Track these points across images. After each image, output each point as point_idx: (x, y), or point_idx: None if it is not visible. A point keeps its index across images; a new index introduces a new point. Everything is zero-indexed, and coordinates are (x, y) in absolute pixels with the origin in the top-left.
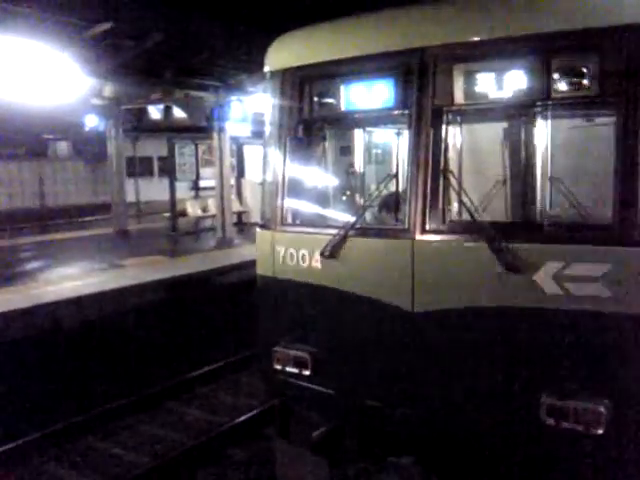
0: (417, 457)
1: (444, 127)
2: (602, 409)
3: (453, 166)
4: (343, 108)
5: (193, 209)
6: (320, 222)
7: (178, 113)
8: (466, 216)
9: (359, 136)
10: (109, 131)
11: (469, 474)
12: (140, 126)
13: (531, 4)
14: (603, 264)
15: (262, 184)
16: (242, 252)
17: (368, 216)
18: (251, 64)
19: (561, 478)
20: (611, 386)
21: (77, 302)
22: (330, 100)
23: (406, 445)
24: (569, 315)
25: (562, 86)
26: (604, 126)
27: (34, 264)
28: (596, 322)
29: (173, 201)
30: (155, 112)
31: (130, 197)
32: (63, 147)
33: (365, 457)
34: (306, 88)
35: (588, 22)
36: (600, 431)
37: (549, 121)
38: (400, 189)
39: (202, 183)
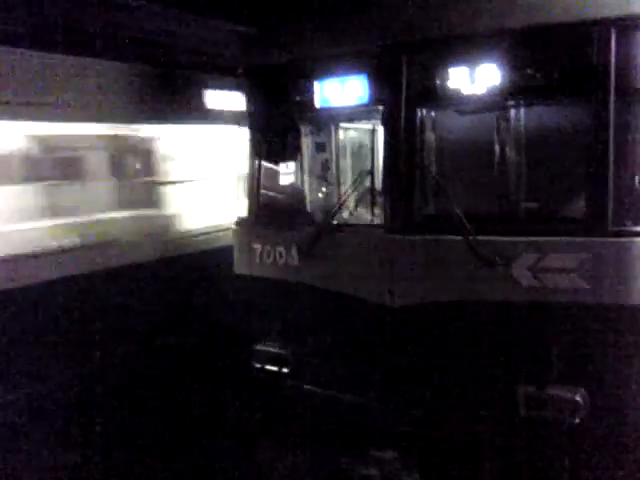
0: (399, 451)
1: (418, 123)
2: (578, 398)
3: (428, 161)
4: (318, 105)
5: None
6: (297, 219)
7: None
8: (442, 211)
9: (335, 132)
10: None
11: (450, 466)
12: None
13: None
14: (579, 255)
15: (239, 182)
16: None
17: (345, 212)
18: None
19: (539, 467)
20: (587, 375)
21: None
22: (305, 97)
23: (388, 439)
24: (546, 306)
25: (535, 80)
26: (578, 120)
27: None
28: (572, 313)
29: None
30: None
31: None
32: None
33: (348, 452)
34: (281, 85)
35: (559, 16)
36: (577, 420)
37: (523, 114)
38: (376, 185)
39: None
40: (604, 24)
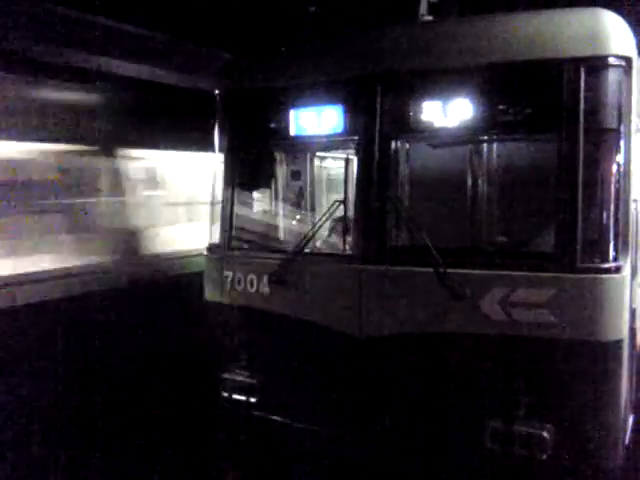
0: None
1: (391, 154)
2: (545, 434)
3: (400, 193)
4: (293, 133)
5: None
6: (269, 247)
7: None
8: (413, 242)
9: (310, 161)
10: None
11: None
12: None
13: (476, 36)
14: (547, 290)
15: (211, 208)
16: None
17: (318, 241)
18: None
19: None
20: (554, 411)
21: None
22: (280, 125)
23: (355, 472)
24: (514, 341)
25: (506, 116)
26: (548, 156)
27: None
28: (540, 347)
29: None
30: None
31: None
32: None
33: None
34: (257, 112)
35: (530, 54)
36: (543, 456)
37: (495, 149)
38: (349, 215)
39: None
40: (574, 63)
